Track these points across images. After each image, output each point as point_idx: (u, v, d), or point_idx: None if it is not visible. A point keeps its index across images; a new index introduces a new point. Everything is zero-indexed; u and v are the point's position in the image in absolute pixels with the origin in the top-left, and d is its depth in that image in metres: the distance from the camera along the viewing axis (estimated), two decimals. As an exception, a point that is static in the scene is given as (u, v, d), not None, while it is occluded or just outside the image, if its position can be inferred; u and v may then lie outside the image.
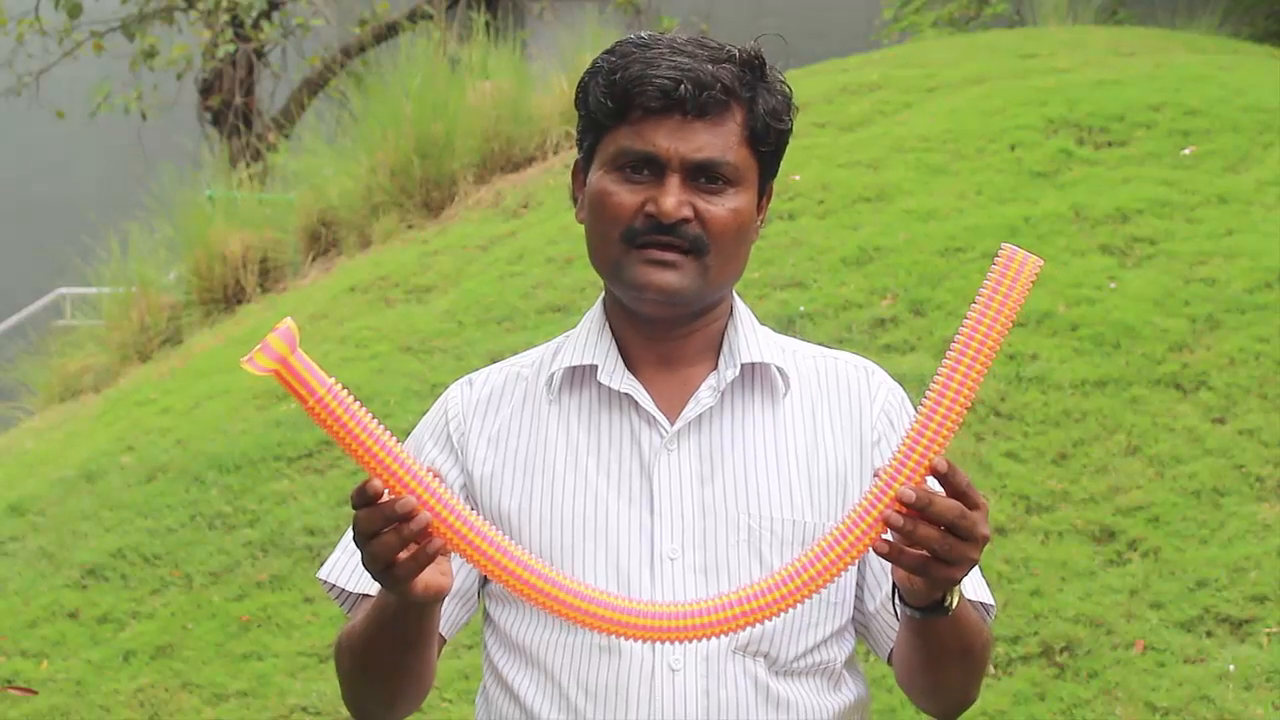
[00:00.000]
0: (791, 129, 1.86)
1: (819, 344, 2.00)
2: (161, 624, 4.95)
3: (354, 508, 1.62)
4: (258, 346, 1.52)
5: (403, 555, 1.61)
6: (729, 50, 1.82)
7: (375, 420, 1.57)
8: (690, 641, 1.62)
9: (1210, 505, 4.52)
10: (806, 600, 1.62)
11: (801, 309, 5.65)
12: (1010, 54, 8.24)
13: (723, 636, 1.63)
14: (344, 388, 1.56)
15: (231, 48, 12.25)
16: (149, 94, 12.44)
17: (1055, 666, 4.14)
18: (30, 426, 7.62)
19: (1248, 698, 3.95)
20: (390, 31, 12.15)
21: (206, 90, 12.93)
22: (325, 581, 1.91)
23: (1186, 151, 6.41)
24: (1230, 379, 4.95)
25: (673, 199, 1.77)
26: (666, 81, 1.77)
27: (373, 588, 1.84)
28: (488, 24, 8.95)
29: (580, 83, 1.85)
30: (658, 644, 1.75)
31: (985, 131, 6.78)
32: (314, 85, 12.87)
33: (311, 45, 12.85)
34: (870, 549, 1.61)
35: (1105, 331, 5.24)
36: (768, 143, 1.82)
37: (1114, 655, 4.12)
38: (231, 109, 12.54)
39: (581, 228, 1.87)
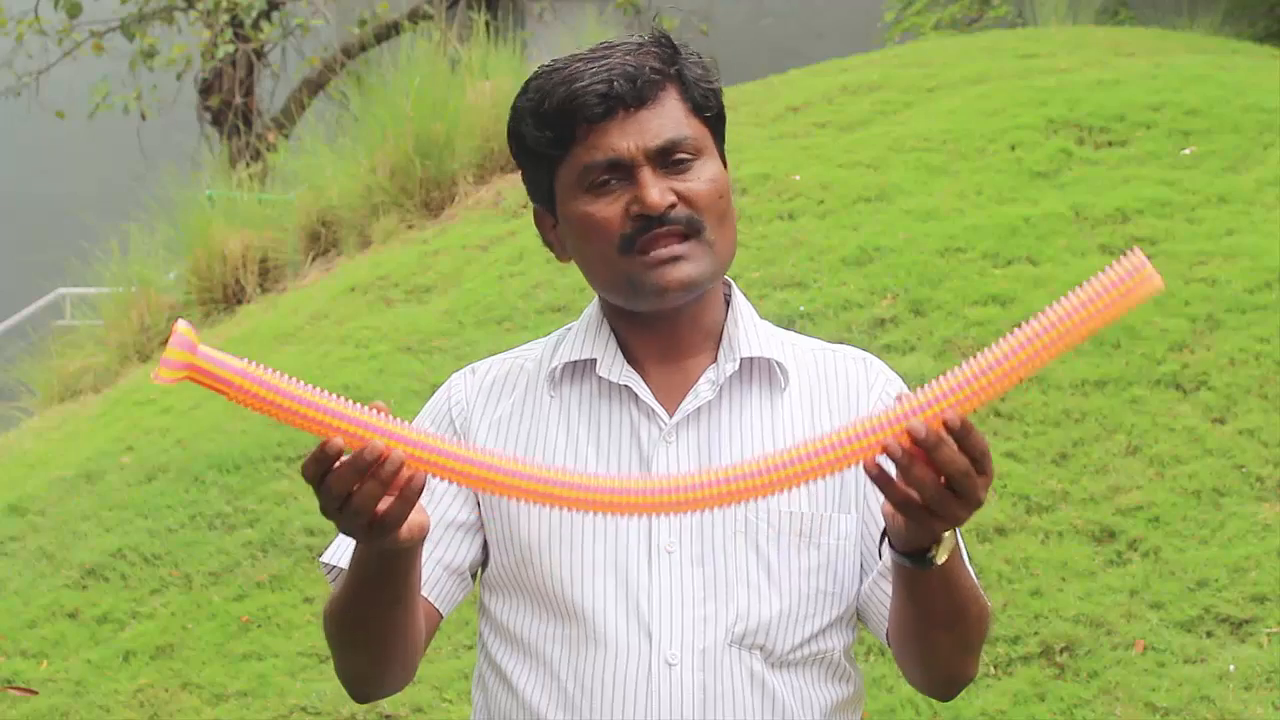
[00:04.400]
0: (721, 90, 1.88)
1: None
2: (161, 624, 4.94)
3: (310, 479, 1.59)
4: (159, 362, 1.51)
5: (383, 505, 1.60)
6: (637, 39, 1.84)
7: (302, 384, 1.55)
8: (681, 513, 1.58)
9: (1210, 505, 4.52)
10: (794, 490, 1.58)
11: (801, 309, 5.65)
12: (1011, 54, 8.24)
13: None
14: (258, 365, 1.54)
15: (231, 48, 12.25)
16: (149, 94, 12.44)
17: (1055, 666, 4.14)
18: (30, 426, 7.62)
19: (1248, 698, 3.94)
20: (390, 31, 12.16)
21: (206, 90, 12.93)
22: (328, 564, 1.89)
23: (1186, 151, 6.41)
24: (1230, 379, 4.95)
25: (654, 190, 1.78)
26: (599, 85, 1.78)
27: None
28: (488, 24, 8.95)
29: (509, 132, 1.86)
30: (653, 634, 1.78)
31: (985, 131, 6.78)
32: (314, 85, 12.87)
33: (311, 45, 12.84)
34: (861, 464, 1.55)
35: (1105, 331, 5.24)
36: (710, 108, 1.85)
37: (1114, 655, 4.12)
38: (231, 109, 12.54)
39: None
